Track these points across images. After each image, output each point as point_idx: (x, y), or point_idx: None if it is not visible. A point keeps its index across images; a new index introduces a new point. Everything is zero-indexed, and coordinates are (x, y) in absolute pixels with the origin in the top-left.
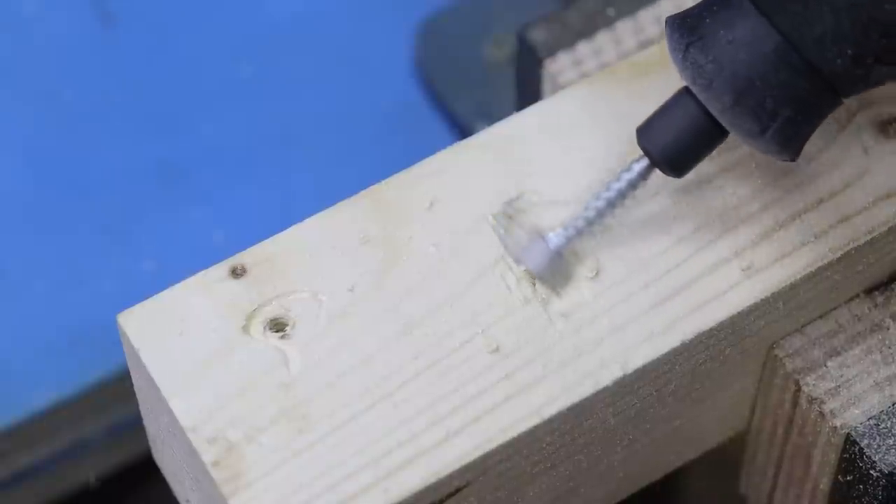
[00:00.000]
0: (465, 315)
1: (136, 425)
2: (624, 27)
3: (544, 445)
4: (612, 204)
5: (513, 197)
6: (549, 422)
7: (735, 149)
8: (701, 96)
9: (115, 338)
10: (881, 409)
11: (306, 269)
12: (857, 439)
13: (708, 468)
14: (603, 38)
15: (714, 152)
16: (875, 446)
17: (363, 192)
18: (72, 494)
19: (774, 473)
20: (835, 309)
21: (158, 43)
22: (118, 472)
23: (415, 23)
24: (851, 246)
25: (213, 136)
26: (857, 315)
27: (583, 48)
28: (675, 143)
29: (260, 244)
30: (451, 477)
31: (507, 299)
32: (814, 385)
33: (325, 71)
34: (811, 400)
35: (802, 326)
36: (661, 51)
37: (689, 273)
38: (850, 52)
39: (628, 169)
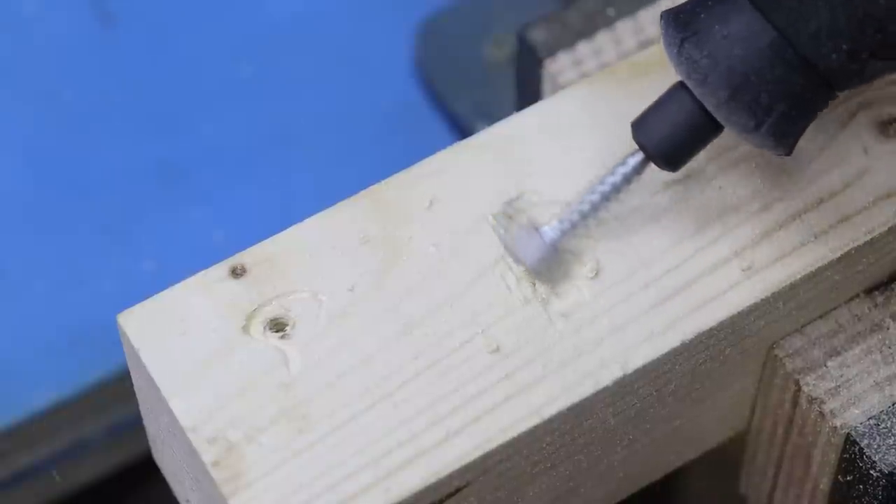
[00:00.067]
0: (465, 315)
1: (136, 425)
2: (624, 27)
3: (544, 445)
4: (606, 197)
5: (513, 197)
6: (549, 422)
7: (735, 148)
8: (696, 91)
9: (115, 338)
10: (881, 409)
11: (306, 269)
12: (857, 439)
13: (708, 468)
14: (603, 38)
15: (714, 152)
16: (875, 446)
17: (363, 192)
18: (72, 494)
19: (774, 473)
20: (835, 309)
21: (158, 43)
22: (118, 472)
23: (415, 23)
24: (851, 246)
25: (213, 136)
26: (857, 315)
27: (583, 48)
28: (670, 138)
29: (260, 244)
30: (451, 477)
31: (507, 299)
32: (814, 385)
33: (325, 71)
34: (811, 400)
35: (802, 326)
36: (661, 51)
37: (689, 273)
38: (845, 47)
39: (623, 163)
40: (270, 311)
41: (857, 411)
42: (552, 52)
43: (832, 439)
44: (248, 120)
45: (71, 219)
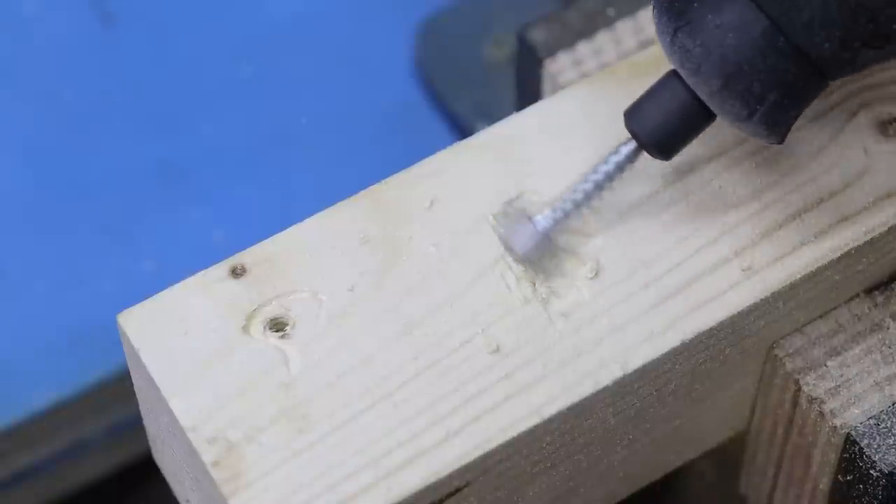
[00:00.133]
0: (465, 315)
1: (136, 425)
2: (624, 27)
3: (544, 445)
4: (599, 186)
5: (513, 197)
6: (549, 422)
7: (735, 148)
8: (689, 80)
9: (115, 338)
10: (881, 409)
11: (306, 269)
12: (857, 439)
13: (708, 468)
14: (603, 38)
15: (714, 152)
16: (875, 446)
17: (363, 192)
18: (72, 494)
19: (774, 473)
20: (835, 309)
21: (158, 43)
22: (118, 472)
23: (415, 23)
24: (851, 246)
25: (213, 136)
26: (857, 315)
27: (583, 48)
28: (663, 127)
29: (260, 244)
30: (451, 477)
31: (507, 299)
32: (814, 385)
33: (325, 71)
34: (811, 400)
35: (802, 326)
36: (661, 51)
37: (689, 273)
38: (837, 36)
39: (616, 151)
40: (270, 311)
41: (857, 411)
42: (552, 52)
43: (832, 439)
44: (248, 120)
45: (71, 219)
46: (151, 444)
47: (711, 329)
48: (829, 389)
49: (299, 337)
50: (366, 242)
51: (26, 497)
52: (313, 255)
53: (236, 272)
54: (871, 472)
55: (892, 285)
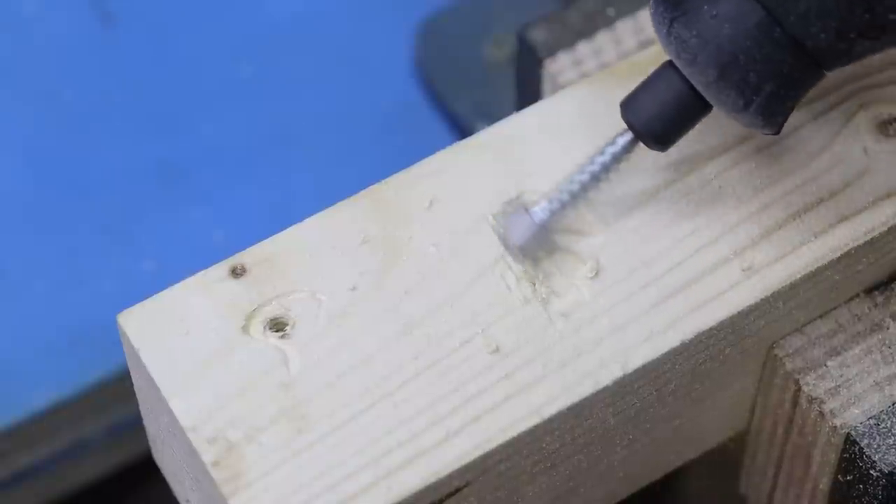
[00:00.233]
0: (465, 315)
1: (136, 425)
2: (624, 27)
3: (544, 445)
4: (595, 178)
5: (513, 197)
6: (549, 422)
7: (735, 148)
8: (685, 71)
9: (115, 338)
10: (881, 409)
11: (306, 269)
12: (857, 439)
13: (708, 468)
14: (603, 38)
15: (714, 152)
16: (875, 446)
17: (363, 192)
18: (72, 494)
19: (774, 473)
20: (835, 309)
21: (158, 43)
22: (118, 472)
23: (415, 23)
24: (851, 246)
25: (213, 136)
26: (857, 315)
27: (583, 48)
28: (659, 117)
29: (260, 244)
30: (451, 477)
31: (506, 299)
32: (814, 385)
33: (325, 71)
34: (811, 400)
35: (802, 326)
36: (661, 51)
37: (689, 273)
38: (833, 26)
39: (612, 142)
40: (270, 311)
41: (857, 411)
42: (552, 52)
43: (832, 439)
44: (248, 120)
45: (71, 219)
46: (151, 444)
47: (711, 329)
48: (829, 389)
49: (299, 337)
50: (366, 242)
51: (26, 497)
52: (313, 255)
53: (236, 272)
54: (871, 472)
55: (892, 285)
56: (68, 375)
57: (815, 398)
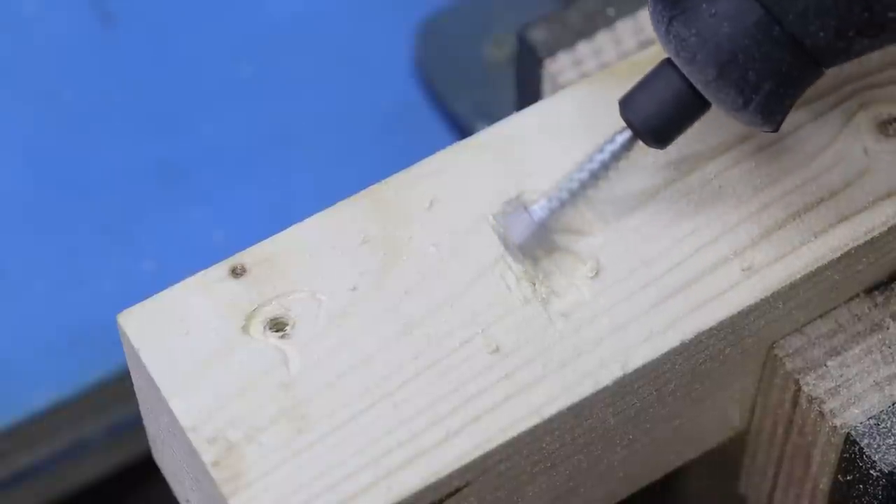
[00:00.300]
0: (465, 315)
1: (136, 425)
2: (624, 27)
3: (544, 445)
4: (595, 176)
5: (513, 197)
6: (549, 422)
7: (734, 148)
8: (684, 69)
9: (115, 338)
10: (881, 409)
11: (306, 269)
12: (857, 439)
13: (708, 468)
14: (603, 38)
15: (714, 152)
16: (875, 446)
17: (363, 192)
18: (72, 494)
19: (774, 473)
20: (835, 309)
21: (158, 43)
22: (118, 472)
23: (415, 23)
24: (851, 246)
25: (213, 136)
26: (857, 315)
27: (583, 48)
28: (658, 115)
29: (260, 244)
30: (451, 477)
31: (506, 299)
32: (814, 385)
33: (325, 71)
34: (811, 400)
35: (802, 326)
36: (661, 51)
37: (689, 273)
38: (833, 25)
39: (611, 140)
40: (270, 311)
41: (857, 411)
42: (552, 52)
43: (832, 439)
44: (248, 120)
45: (71, 219)
46: (151, 444)
47: (711, 329)
48: (829, 389)
49: (299, 337)
50: (366, 242)
51: (26, 497)
52: (313, 255)
53: (236, 272)
54: (871, 472)
55: (892, 285)
56: (68, 375)
57: (815, 398)
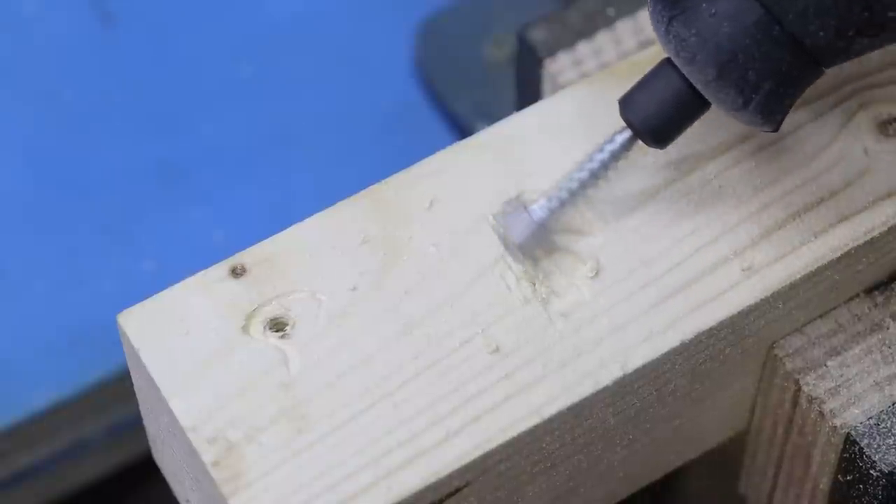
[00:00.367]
0: (465, 315)
1: (136, 425)
2: (624, 27)
3: (544, 445)
4: (595, 175)
5: (513, 197)
6: (549, 422)
7: (734, 148)
8: (684, 69)
9: (115, 338)
10: (881, 409)
11: (306, 269)
12: (857, 439)
13: (708, 468)
14: (603, 38)
15: (714, 152)
16: (875, 446)
17: (363, 192)
18: (72, 494)
19: (774, 473)
20: (835, 309)
21: (158, 43)
22: (118, 472)
23: (415, 23)
24: (851, 246)
25: (213, 136)
26: (857, 315)
27: (583, 48)
28: (658, 115)
29: (260, 244)
30: (451, 477)
31: (506, 299)
32: (814, 385)
33: (325, 71)
34: (811, 399)
35: (802, 326)
36: (661, 51)
37: (688, 273)
38: (833, 25)
39: (611, 140)
40: (270, 311)
41: (856, 411)
42: (552, 52)
43: (832, 439)
44: (248, 120)
45: (71, 219)
46: (151, 444)
47: (711, 329)
48: (829, 389)
49: (299, 337)
50: (366, 242)
51: (26, 497)
52: (313, 255)
53: (236, 272)
54: (871, 472)
55: (892, 285)
56: (68, 375)
57: (815, 398)
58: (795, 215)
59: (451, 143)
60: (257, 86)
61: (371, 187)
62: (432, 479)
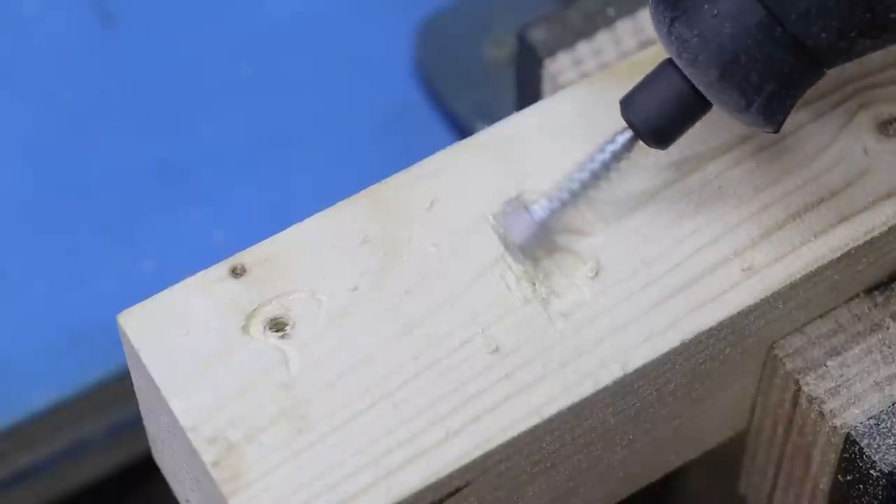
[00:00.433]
0: (465, 315)
1: (136, 425)
2: (624, 27)
3: (544, 445)
4: (596, 176)
5: (513, 197)
6: (549, 422)
7: (735, 148)
8: (686, 70)
9: (115, 338)
10: (881, 409)
11: (306, 269)
12: (857, 439)
13: (708, 468)
14: (603, 38)
15: (715, 152)
16: (875, 446)
17: (363, 192)
18: (72, 494)
19: (774, 473)
20: (835, 309)
21: (158, 43)
22: (118, 472)
23: (415, 23)
24: (851, 246)
25: (213, 136)
26: (857, 315)
27: (583, 48)
28: (659, 115)
29: (260, 244)
30: (451, 477)
31: (506, 299)
32: (814, 385)
33: (325, 71)
34: (811, 400)
35: (802, 326)
36: (661, 51)
37: (689, 273)
38: (835, 26)
39: (612, 140)
40: (270, 311)
41: (857, 411)
42: (552, 52)
43: (832, 439)
44: (248, 120)
45: (71, 219)
46: (151, 444)
47: (711, 329)
48: (829, 389)
49: (299, 337)
50: (366, 242)
51: (26, 497)
52: (313, 255)
53: (236, 272)
54: (871, 472)
55: (892, 285)
56: (68, 375)
57: (815, 398)
58: (796, 215)
59: (451, 143)
60: (257, 86)
61: (371, 187)
62: (432, 479)
